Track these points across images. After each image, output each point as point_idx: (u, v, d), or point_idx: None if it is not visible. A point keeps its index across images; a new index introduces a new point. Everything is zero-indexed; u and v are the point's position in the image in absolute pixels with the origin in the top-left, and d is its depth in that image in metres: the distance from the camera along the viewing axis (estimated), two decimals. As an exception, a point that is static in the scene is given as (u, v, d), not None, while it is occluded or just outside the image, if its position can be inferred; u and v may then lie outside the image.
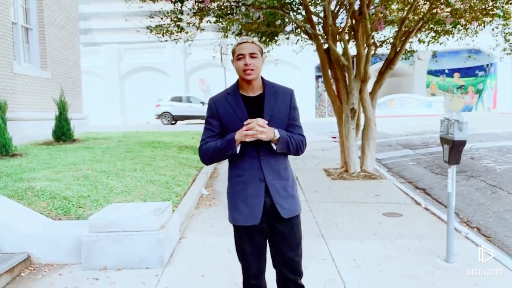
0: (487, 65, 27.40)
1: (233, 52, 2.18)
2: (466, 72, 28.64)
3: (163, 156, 7.76)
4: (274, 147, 2.12)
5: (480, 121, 18.63)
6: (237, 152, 2.12)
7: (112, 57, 28.16)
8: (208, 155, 2.20)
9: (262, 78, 2.24)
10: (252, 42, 2.16)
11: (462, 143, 3.61)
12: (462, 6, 5.97)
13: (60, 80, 11.11)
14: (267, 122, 2.06)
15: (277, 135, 2.10)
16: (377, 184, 6.89)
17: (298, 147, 2.20)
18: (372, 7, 7.56)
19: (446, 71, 29.19)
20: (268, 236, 2.25)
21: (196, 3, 7.12)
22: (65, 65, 11.65)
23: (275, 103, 2.18)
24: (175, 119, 22.57)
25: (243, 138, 2.06)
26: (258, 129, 2.02)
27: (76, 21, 12.79)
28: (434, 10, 6.80)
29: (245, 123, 2.05)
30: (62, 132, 9.01)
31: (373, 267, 3.69)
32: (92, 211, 4.33)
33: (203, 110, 22.20)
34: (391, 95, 27.29)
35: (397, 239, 4.39)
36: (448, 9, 7.12)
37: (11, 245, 3.75)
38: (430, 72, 29.44)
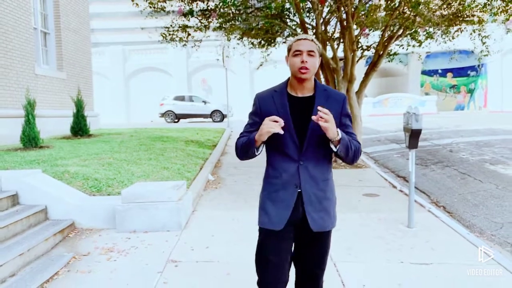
0: (478, 65, 28.38)
1: (289, 48, 2.04)
2: (459, 72, 29.67)
3: (172, 148, 8.69)
4: (334, 149, 1.97)
5: (469, 119, 19.54)
6: (257, 153, 2.04)
7: (117, 58, 29.14)
8: (238, 150, 2.14)
9: (315, 79, 2.11)
10: (312, 40, 2.01)
11: (419, 131, 4.54)
12: (433, 16, 6.86)
13: (75, 80, 12.05)
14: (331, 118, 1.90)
15: (340, 135, 1.93)
16: (362, 172, 7.84)
17: (355, 154, 2.04)
18: (362, 12, 8.48)
19: (440, 71, 30.20)
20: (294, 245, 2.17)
21: (202, 12, 8.03)
22: (78, 66, 12.58)
23: (325, 106, 1.96)
24: (178, 117, 23.45)
25: (262, 137, 1.95)
26: (327, 117, 1.86)
27: (88, 25, 13.73)
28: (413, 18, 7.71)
29: (272, 118, 1.93)
30: (79, 128, 9.92)
31: (348, 231, 4.61)
32: (120, 189, 5.25)
33: (205, 109, 23.12)
34: (386, 94, 28.23)
35: (371, 212, 5.33)
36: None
37: (59, 213, 4.69)
38: (424, 72, 30.43)
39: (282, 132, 1.92)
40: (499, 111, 25.81)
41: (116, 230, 4.61)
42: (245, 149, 2.07)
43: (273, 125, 1.91)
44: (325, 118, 1.85)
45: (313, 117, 1.88)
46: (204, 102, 23.42)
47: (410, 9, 6.66)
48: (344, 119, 2.08)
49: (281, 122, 1.92)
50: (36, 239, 3.96)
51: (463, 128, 13.95)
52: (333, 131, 1.89)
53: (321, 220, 2.05)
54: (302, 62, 1.96)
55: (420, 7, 6.71)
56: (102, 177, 5.68)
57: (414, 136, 4.55)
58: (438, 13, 7.99)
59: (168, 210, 4.59)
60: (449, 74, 30.14)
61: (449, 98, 30.47)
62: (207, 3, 8.29)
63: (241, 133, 2.16)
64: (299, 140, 2.01)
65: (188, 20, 8.61)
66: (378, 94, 30.20)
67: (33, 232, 4.19)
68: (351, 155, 2.01)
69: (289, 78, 2.12)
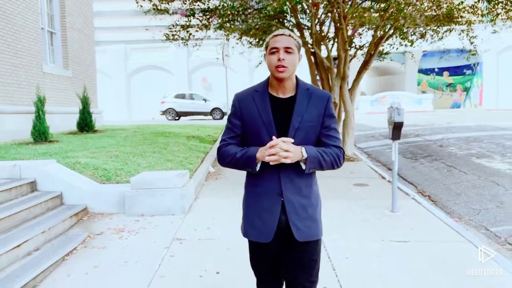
0: (474, 64, 28.84)
1: (267, 46, 1.92)
2: (455, 70, 30.15)
3: (175, 143, 9.13)
4: (303, 166, 1.88)
5: (463, 116, 19.97)
6: (257, 170, 1.91)
7: (119, 56, 29.59)
8: (226, 161, 2.00)
9: (297, 78, 1.98)
10: (289, 35, 1.89)
11: (400, 124, 4.99)
12: (419, 18, 7.27)
13: (80, 78, 12.48)
14: (292, 141, 1.83)
15: (305, 155, 1.85)
16: (354, 165, 8.29)
17: (333, 163, 1.92)
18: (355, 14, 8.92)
19: (436, 69, 30.66)
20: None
21: (203, 13, 8.47)
22: (83, 65, 13.02)
23: (307, 108, 1.91)
24: (178, 115, 23.86)
25: (265, 159, 1.84)
26: (282, 154, 1.79)
27: (92, 25, 14.16)
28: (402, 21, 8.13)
29: (268, 144, 1.82)
30: (85, 123, 10.36)
31: (336, 215, 5.06)
32: (127, 178, 5.69)
33: (205, 107, 23.56)
34: (384, 92, 28.69)
35: (360, 199, 5.78)
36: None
37: (73, 199, 5.14)
38: (421, 71, 30.89)
39: (288, 161, 1.83)
40: (494, 109, 26.29)
41: (126, 214, 5.06)
42: (239, 164, 1.96)
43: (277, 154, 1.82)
44: (279, 156, 1.80)
45: (271, 162, 1.83)
46: (205, 100, 23.85)
47: (396, 12, 7.08)
48: (327, 120, 1.96)
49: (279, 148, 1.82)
50: (54, 220, 4.41)
51: (454, 125, 14.40)
52: (296, 156, 1.83)
53: (307, 229, 1.94)
54: (279, 60, 1.85)
55: (408, 8, 7.14)
56: (111, 168, 6.13)
57: (396, 128, 5.00)
58: (426, 14, 8.41)
59: (173, 196, 5.04)
60: (446, 73, 30.60)
61: (446, 96, 30.94)
62: (208, 4, 8.74)
63: (223, 139, 2.03)
64: None
65: (190, 21, 9.06)
66: (376, 92, 30.67)
67: (51, 215, 4.64)
68: (327, 167, 1.92)
69: (269, 77, 1.99)
